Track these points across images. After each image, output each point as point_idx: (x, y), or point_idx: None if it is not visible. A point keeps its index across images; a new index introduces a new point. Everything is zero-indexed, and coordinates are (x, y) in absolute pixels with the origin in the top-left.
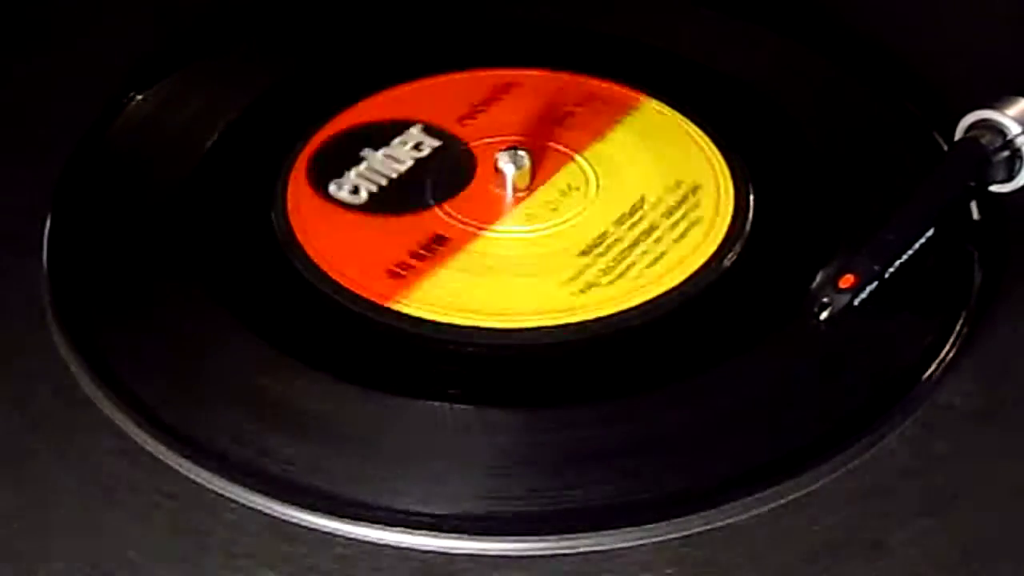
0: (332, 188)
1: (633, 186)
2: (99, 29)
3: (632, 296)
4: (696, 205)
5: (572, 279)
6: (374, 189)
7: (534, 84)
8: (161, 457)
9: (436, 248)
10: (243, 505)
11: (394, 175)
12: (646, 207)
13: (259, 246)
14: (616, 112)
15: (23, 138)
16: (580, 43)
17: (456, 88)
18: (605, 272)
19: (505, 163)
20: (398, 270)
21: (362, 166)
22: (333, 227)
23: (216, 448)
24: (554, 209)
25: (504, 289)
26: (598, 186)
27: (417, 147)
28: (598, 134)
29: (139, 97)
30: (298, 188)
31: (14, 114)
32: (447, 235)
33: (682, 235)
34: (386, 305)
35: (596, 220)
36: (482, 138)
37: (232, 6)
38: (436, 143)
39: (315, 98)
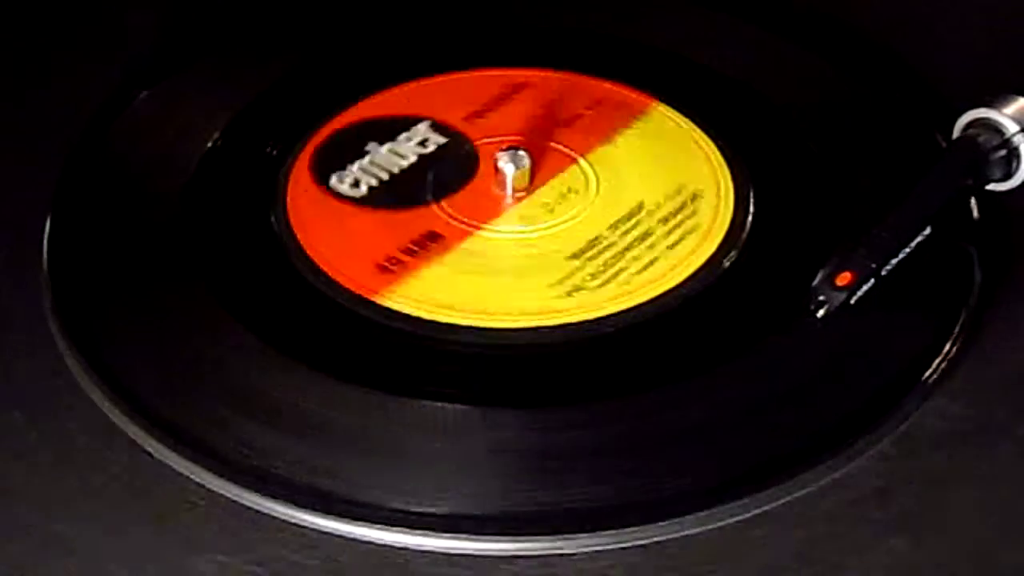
0: (333, 180)
1: (633, 191)
2: (99, 29)
3: (617, 302)
4: (694, 213)
5: (559, 282)
6: (374, 183)
7: (545, 85)
8: (159, 455)
9: (428, 244)
10: (237, 503)
11: (396, 170)
12: (643, 213)
13: (257, 239)
14: (625, 116)
15: (23, 138)
16: (592, 45)
17: (467, 86)
18: (593, 276)
19: (505, 163)
20: (387, 264)
21: (365, 160)
22: (330, 219)
23: (214, 446)
24: (551, 211)
25: (489, 288)
26: (598, 189)
27: (423, 143)
28: (605, 137)
29: (144, 94)
30: (300, 181)
31: (14, 114)
32: (441, 232)
33: (676, 243)
34: (370, 299)
35: (591, 223)
36: (489, 137)
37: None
38: (442, 140)
39: (323, 93)
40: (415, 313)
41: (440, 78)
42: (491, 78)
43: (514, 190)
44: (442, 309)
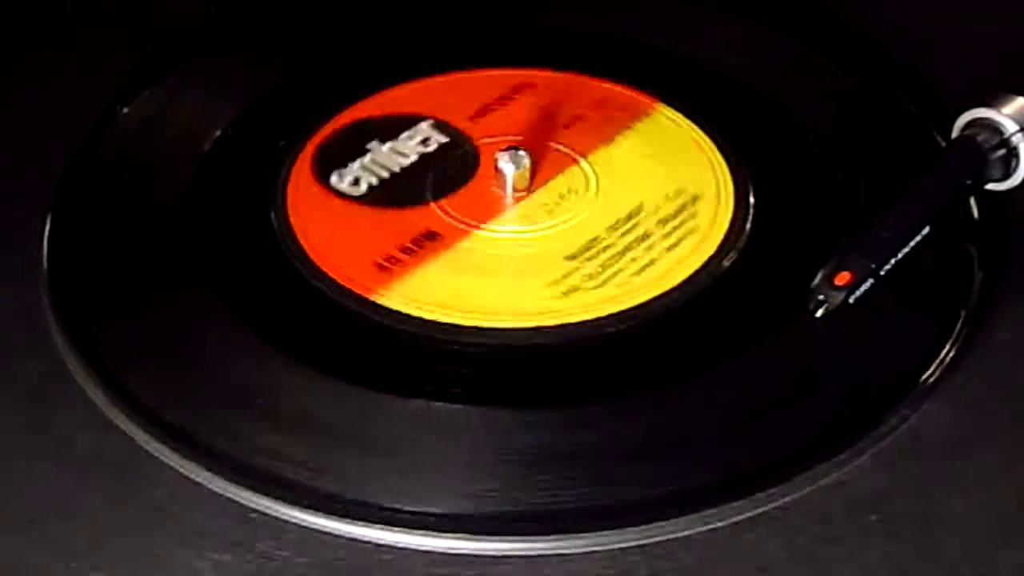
0: (334, 179)
1: (633, 192)
2: (99, 29)
3: (613, 303)
4: (693, 215)
5: (556, 282)
6: (374, 181)
7: (548, 85)
8: (158, 455)
9: (426, 243)
10: (235, 502)
11: (397, 169)
12: (643, 214)
13: (256, 238)
14: (627, 117)
15: (23, 138)
16: (593, 45)
17: (471, 86)
18: (590, 277)
19: (505, 163)
20: (385, 263)
21: (366, 158)
22: (330, 218)
23: (214, 445)
24: (550, 211)
25: (486, 288)
26: (598, 190)
27: (424, 142)
28: (606, 138)
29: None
30: (300, 178)
31: (14, 114)
32: (439, 231)
33: (675, 245)
34: (369, 298)
35: (590, 224)
36: (491, 137)
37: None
38: (444, 139)
39: (324, 92)
40: (413, 312)
41: (441, 78)
42: (492, 78)
43: (514, 190)
44: (440, 308)
